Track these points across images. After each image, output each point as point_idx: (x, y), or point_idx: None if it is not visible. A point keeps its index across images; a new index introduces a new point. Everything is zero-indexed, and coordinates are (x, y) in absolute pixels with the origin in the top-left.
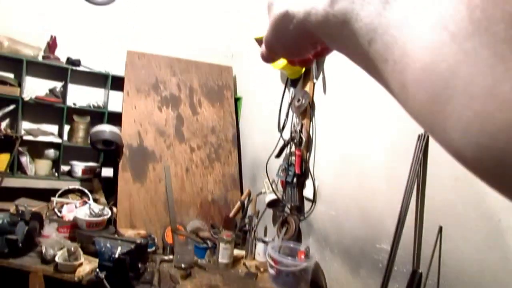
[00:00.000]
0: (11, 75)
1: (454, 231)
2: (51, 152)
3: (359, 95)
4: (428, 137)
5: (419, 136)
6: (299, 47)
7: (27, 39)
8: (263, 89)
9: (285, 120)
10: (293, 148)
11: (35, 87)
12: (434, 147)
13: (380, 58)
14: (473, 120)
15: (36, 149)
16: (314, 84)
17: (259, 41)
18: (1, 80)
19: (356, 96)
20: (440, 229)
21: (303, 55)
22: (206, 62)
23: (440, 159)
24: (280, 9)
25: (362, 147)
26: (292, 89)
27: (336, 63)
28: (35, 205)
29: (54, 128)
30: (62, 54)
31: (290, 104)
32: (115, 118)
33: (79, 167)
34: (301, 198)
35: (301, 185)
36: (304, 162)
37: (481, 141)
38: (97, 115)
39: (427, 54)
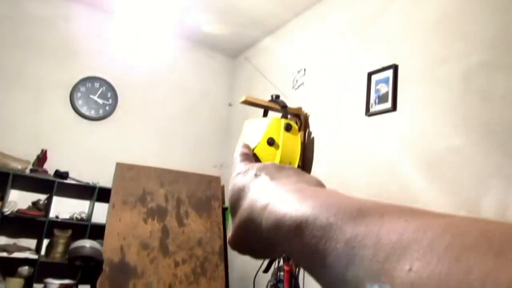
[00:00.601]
0: None
1: None
2: (25, 269)
3: None
4: None
5: None
6: (267, 253)
7: (18, 153)
8: None
9: None
10: (281, 263)
11: (19, 200)
12: None
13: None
14: None
15: (9, 266)
16: None
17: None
18: None
19: None
20: None
21: (271, 257)
22: (195, 173)
23: None
24: (246, 214)
25: None
26: None
27: (324, 172)
28: None
29: (32, 243)
30: (51, 166)
31: None
32: (98, 231)
33: (54, 285)
34: None
35: None
36: (293, 278)
37: None
38: (80, 228)
39: None
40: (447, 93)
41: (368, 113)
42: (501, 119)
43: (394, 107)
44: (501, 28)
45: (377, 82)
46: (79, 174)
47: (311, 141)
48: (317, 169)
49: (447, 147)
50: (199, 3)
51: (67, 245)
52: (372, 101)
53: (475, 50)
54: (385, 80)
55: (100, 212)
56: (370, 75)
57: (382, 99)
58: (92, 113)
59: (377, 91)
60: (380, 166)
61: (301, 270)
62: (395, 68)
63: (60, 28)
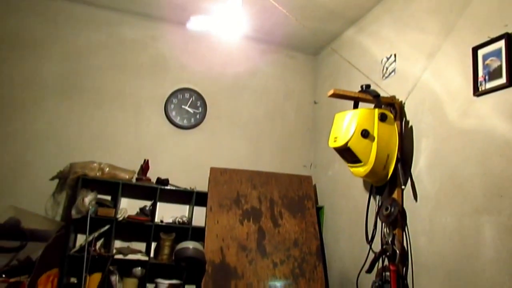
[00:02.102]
0: (109, 197)
1: None
2: (138, 270)
3: (458, 198)
4: None
5: None
6: None
7: (124, 164)
8: (346, 198)
9: (373, 231)
10: (386, 262)
11: (128, 207)
12: None
13: None
14: None
15: (125, 268)
16: (402, 190)
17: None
18: (101, 203)
19: (455, 200)
20: None
21: None
22: (286, 173)
23: None
24: None
25: (472, 262)
26: (378, 197)
27: (426, 163)
28: None
29: (142, 246)
30: (153, 175)
31: (377, 213)
32: (199, 234)
33: (163, 285)
34: None
35: None
36: (401, 279)
37: None
38: (182, 231)
39: None
40: None
41: (477, 92)
42: None
43: (510, 83)
44: None
45: (485, 57)
46: (178, 180)
47: (409, 131)
48: (419, 160)
49: None
50: (275, 4)
51: (172, 247)
52: (481, 78)
53: None
54: (496, 53)
55: (199, 216)
56: (475, 50)
57: (493, 74)
58: (184, 122)
59: (486, 66)
60: (497, 152)
61: (409, 270)
62: (507, 37)
63: (150, 48)
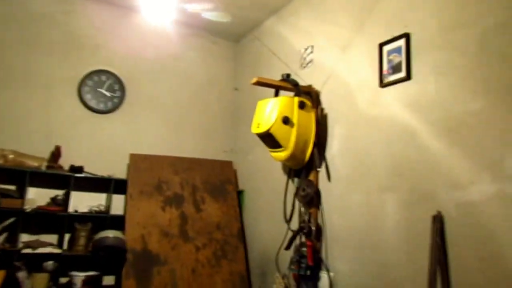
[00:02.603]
0: (13, 187)
1: None
2: (49, 264)
3: (366, 178)
4: (443, 217)
5: (433, 218)
6: None
7: (33, 151)
8: (266, 181)
9: (291, 211)
10: (303, 239)
11: (37, 197)
12: (451, 227)
13: None
14: None
15: (34, 262)
16: (318, 172)
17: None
18: (4, 193)
19: (364, 180)
20: None
21: None
22: (208, 159)
23: (460, 240)
24: None
25: (377, 233)
26: (296, 179)
27: (338, 147)
28: None
29: (53, 238)
30: (66, 162)
31: (295, 194)
32: (118, 222)
33: (79, 278)
34: None
35: (315, 278)
36: (316, 253)
37: None
38: (100, 220)
39: None
40: (463, 58)
41: (382, 84)
42: None
43: (408, 76)
44: None
45: (389, 53)
46: (94, 168)
47: (324, 117)
48: (332, 145)
49: (466, 112)
50: None
51: (88, 237)
52: (385, 71)
53: (490, 12)
54: (397, 50)
55: (118, 204)
56: (381, 46)
57: (395, 69)
58: (101, 106)
59: (389, 61)
60: (398, 136)
61: (324, 245)
62: (407, 37)
63: (63, 24)
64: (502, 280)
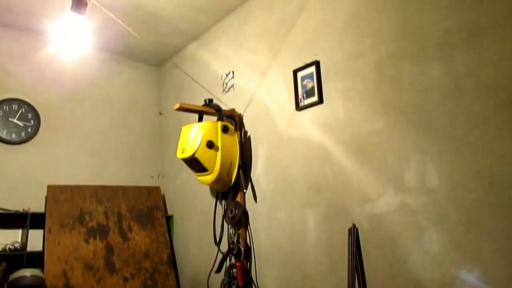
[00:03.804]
0: None
1: None
2: None
3: (288, 195)
4: (357, 230)
5: (349, 230)
6: None
7: None
8: (194, 204)
9: (221, 233)
10: (233, 260)
11: None
12: (364, 238)
13: None
14: None
15: None
16: (244, 193)
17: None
18: None
19: (286, 197)
20: None
21: None
22: (133, 186)
23: (372, 249)
24: None
25: (300, 248)
26: (224, 201)
27: (263, 168)
28: None
29: None
30: None
31: (223, 216)
32: (36, 259)
33: None
34: None
35: None
36: (246, 273)
37: None
38: (15, 258)
39: None
40: (363, 83)
41: (298, 107)
42: (411, 101)
43: (320, 100)
44: (402, 22)
45: (303, 78)
46: (7, 202)
47: (248, 140)
48: (257, 165)
49: (371, 131)
50: (117, 15)
51: (2, 278)
52: (300, 96)
53: (383, 43)
54: (310, 76)
55: (36, 240)
56: (295, 72)
57: (309, 93)
58: (13, 137)
59: (303, 86)
60: (314, 155)
61: (253, 264)
62: (317, 64)
63: None
64: (409, 283)
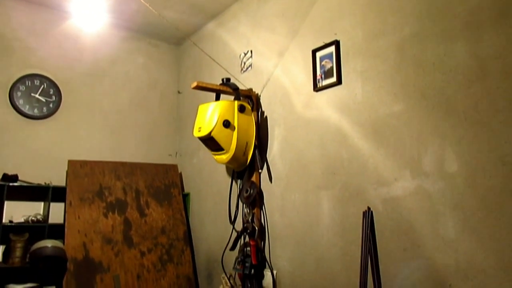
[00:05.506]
0: None
1: None
2: None
3: (304, 177)
4: (372, 213)
5: (363, 213)
6: None
7: None
8: (210, 183)
9: (235, 212)
10: (247, 239)
11: None
12: (379, 221)
13: None
14: None
15: None
16: (259, 174)
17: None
18: None
19: (302, 179)
20: None
21: None
22: (151, 163)
23: (386, 232)
24: None
25: (314, 229)
26: (239, 181)
27: (278, 149)
28: None
29: None
30: None
31: (239, 196)
32: (57, 231)
33: None
34: None
35: (259, 276)
36: (259, 252)
37: None
38: (37, 230)
39: None
40: (385, 64)
41: (316, 88)
42: (433, 84)
43: (339, 81)
44: (427, 1)
45: (322, 58)
46: (30, 176)
47: (264, 120)
48: (273, 146)
49: (389, 114)
50: None
51: (25, 248)
52: (318, 76)
53: (407, 23)
54: (329, 56)
55: (57, 212)
56: (314, 52)
57: (327, 74)
58: (35, 112)
59: (322, 67)
60: (331, 137)
61: (267, 244)
62: (337, 44)
63: None
64: (423, 268)
